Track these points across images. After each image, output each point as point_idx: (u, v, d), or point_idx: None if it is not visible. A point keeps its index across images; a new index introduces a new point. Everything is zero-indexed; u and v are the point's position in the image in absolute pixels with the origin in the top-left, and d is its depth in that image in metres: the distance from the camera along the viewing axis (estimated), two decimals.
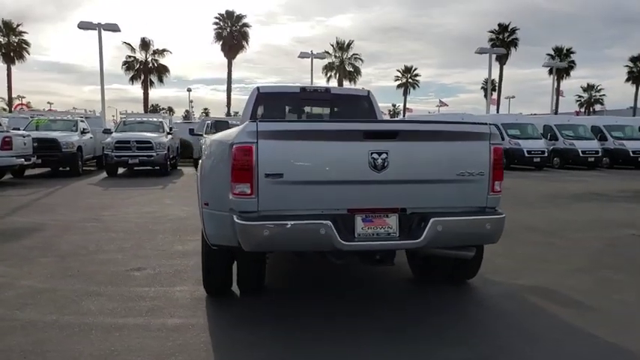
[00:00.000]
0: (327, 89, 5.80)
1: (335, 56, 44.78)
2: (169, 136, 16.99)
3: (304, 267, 5.05)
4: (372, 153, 3.20)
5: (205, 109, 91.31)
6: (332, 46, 45.03)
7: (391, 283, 4.64)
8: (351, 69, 45.20)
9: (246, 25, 43.56)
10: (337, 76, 44.88)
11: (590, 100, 54.46)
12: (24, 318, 3.67)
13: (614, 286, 4.47)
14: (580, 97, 54.68)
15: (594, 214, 8.43)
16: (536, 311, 3.85)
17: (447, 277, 4.44)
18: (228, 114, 44.11)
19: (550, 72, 44.58)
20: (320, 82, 37.49)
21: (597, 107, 54.37)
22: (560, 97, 46.61)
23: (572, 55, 45.27)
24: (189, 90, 58.62)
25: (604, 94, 54.88)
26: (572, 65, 44.55)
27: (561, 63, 31.13)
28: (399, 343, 3.26)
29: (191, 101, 63.27)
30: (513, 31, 44.28)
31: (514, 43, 43.62)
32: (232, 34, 43.23)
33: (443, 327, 3.57)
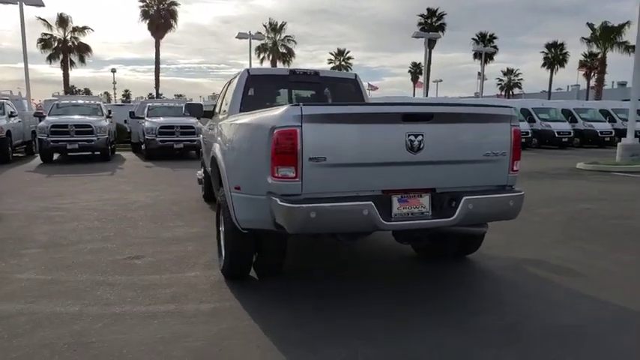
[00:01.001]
0: (316, 72, 5.82)
1: (268, 37, 44.21)
2: (109, 120, 16.20)
3: (306, 248, 5.14)
4: (409, 135, 3.34)
5: (126, 90, 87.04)
6: (264, 26, 44.42)
7: (396, 262, 4.85)
8: (284, 50, 44.87)
9: (174, 3, 41.76)
10: (270, 57, 44.40)
11: (510, 83, 57.91)
12: (44, 311, 3.49)
13: (593, 255, 4.95)
14: (500, 80, 58.02)
15: (547, 191, 9.15)
16: (541, 280, 4.21)
17: (450, 253, 4.71)
18: (157, 96, 42.38)
19: (475, 56, 46.92)
20: (252, 63, 36.86)
21: (516, 90, 57.98)
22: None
23: (494, 40, 47.78)
24: (113, 71, 55.63)
25: (522, 79, 58.62)
26: (494, 50, 46.93)
27: (490, 48, 32.94)
28: (431, 315, 3.46)
29: (114, 83, 60.10)
30: (441, 16, 45.87)
31: (442, 27, 45.21)
32: (160, 12, 41.32)
33: (464, 299, 3.82)
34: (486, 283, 4.24)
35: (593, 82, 50.20)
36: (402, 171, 3.42)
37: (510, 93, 57.54)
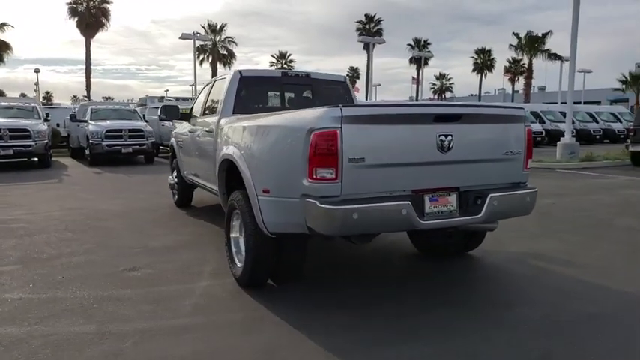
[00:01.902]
0: (307, 74, 5.76)
1: (210, 39, 43.25)
2: (46, 124, 15.16)
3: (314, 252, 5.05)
4: (439, 135, 3.37)
5: (48, 92, 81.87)
6: (203, 28, 43.41)
7: (402, 261, 4.87)
8: (224, 52, 44.09)
9: (106, 0, 39.90)
10: (210, 59, 43.47)
11: (442, 87, 60.32)
12: (59, 332, 3.17)
13: (579, 246, 5.24)
14: (433, 84, 60.29)
15: None
16: (548, 271, 4.39)
17: (454, 250, 4.80)
18: (87, 97, 40.26)
19: (411, 61, 48.50)
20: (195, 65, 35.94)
21: (448, 94, 60.50)
22: (415, 85, 50.84)
23: (429, 46, 49.59)
24: (37, 71, 52.23)
25: (452, 83, 61.26)
26: (431, 55, 48.66)
27: (426, 53, 34.28)
28: (467, 312, 3.51)
29: (36, 84, 56.24)
30: (379, 22, 47.04)
31: (379, 33, 46.26)
32: (90, 10, 39.31)
33: (489, 294, 3.92)
34: (501, 277, 4.36)
35: (517, 86, 53.43)
36: (432, 171, 3.44)
37: (443, 96, 59.93)
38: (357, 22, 46.91)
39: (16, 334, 3.15)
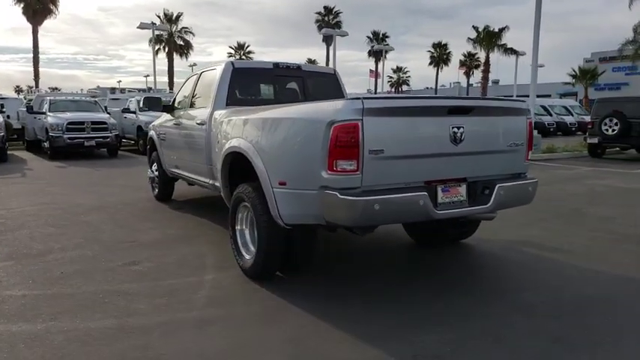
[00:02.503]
0: (299, 66, 5.78)
1: (167, 29, 42.07)
2: (1, 116, 14.43)
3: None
4: (452, 127, 3.50)
5: None
6: (159, 17, 42.20)
7: (398, 250, 5.01)
8: (181, 42, 43.05)
9: None
10: (167, 49, 42.35)
11: (399, 80, 61.29)
12: (79, 327, 3.12)
13: (562, 234, 5.54)
14: (391, 77, 61.14)
15: None
16: (541, 258, 4.64)
17: (449, 239, 4.98)
18: (35, 88, 38.42)
19: (369, 54, 48.96)
20: (143, 55, 34.91)
21: (404, 87, 61.55)
22: (373, 78, 51.47)
23: (387, 39, 50.20)
24: None
25: (409, 76, 62.37)
26: (392, 48, 49.34)
27: (387, 46, 34.79)
28: (475, 298, 3.68)
29: None
30: (337, 14, 47.23)
31: (338, 25, 46.40)
32: None
33: (490, 279, 4.13)
34: (499, 264, 4.57)
35: (471, 80, 55.00)
36: (444, 162, 3.57)
37: (400, 89, 60.92)
38: (317, 13, 47.04)
39: (33, 331, 3.07)
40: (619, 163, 13.10)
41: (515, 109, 3.95)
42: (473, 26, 41.84)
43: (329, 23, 47.39)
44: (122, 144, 17.13)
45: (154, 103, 6.74)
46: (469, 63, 53.56)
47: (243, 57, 50.69)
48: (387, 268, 4.46)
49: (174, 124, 6.35)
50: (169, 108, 6.77)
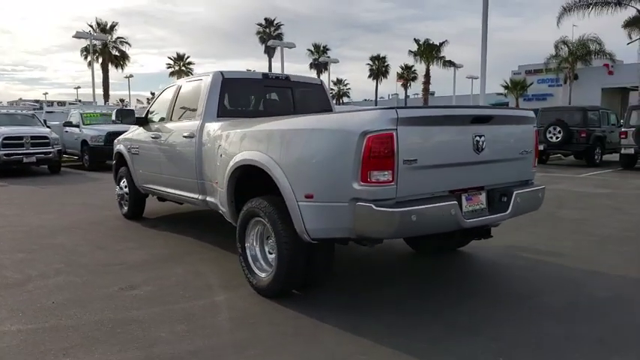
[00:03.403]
0: (287, 77, 5.66)
1: (105, 38, 40.31)
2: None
3: None
4: (475, 136, 3.51)
5: None
6: (91, 26, 40.41)
7: (400, 260, 4.98)
8: (117, 53, 41.42)
9: None
10: (100, 60, 40.54)
11: (340, 92, 62.17)
12: None
13: (549, 238, 5.74)
14: (332, 89, 61.81)
15: None
16: (541, 263, 4.74)
17: (450, 247, 5.02)
18: None
19: (310, 66, 49.34)
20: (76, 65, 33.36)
21: (345, 99, 62.49)
22: None
23: (328, 51, 50.90)
24: None
25: (349, 88, 63.47)
26: (336, 61, 49.83)
27: (329, 58, 35.17)
28: (495, 305, 3.69)
29: None
30: (278, 26, 47.33)
31: (280, 37, 46.49)
32: None
33: (502, 285, 4.18)
34: (504, 270, 4.64)
35: (409, 92, 56.86)
36: (467, 170, 3.58)
37: (341, 101, 61.80)
38: (258, 24, 46.80)
39: None
40: (564, 169, 13.91)
41: (526, 117, 4.05)
42: (414, 39, 43.41)
43: (270, 35, 47.44)
44: (63, 160, 16.11)
45: (127, 115, 6.32)
46: (407, 75, 55.31)
47: (183, 68, 49.60)
48: (398, 278, 4.40)
49: (153, 137, 6.01)
50: (142, 120, 6.42)
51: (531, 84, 40.95)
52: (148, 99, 71.98)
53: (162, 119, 6.09)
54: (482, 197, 3.71)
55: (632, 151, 13.01)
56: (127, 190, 6.98)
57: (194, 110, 5.29)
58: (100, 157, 14.62)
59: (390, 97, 65.76)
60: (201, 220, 6.98)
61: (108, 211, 7.58)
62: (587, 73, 37.48)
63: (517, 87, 38.76)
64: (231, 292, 3.97)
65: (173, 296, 3.92)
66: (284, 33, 47.38)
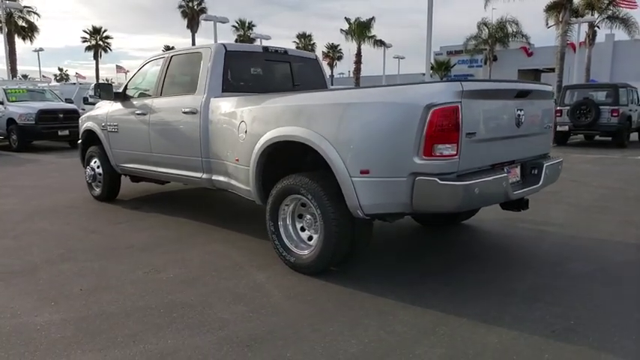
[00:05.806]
0: (285, 51, 5.51)
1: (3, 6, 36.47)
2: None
3: None
4: (517, 110, 3.67)
5: None
6: None
7: (412, 234, 5.10)
8: (23, 24, 37.78)
9: None
10: (5, 31, 36.72)
11: None
12: (177, 347, 2.68)
13: (538, 208, 5.93)
14: None
15: None
16: (545, 233, 5.01)
17: (456, 221, 5.22)
18: None
19: (236, 42, 47.93)
20: None
21: None
22: None
23: (253, 28, 49.73)
24: None
25: None
26: (268, 37, 48.74)
27: (264, 35, 34.29)
28: (515, 274, 3.92)
29: None
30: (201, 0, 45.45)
31: (203, 11, 44.62)
32: None
33: (526, 255, 4.40)
34: (514, 241, 4.86)
35: (334, 71, 57.22)
36: (507, 144, 3.72)
37: None
38: None
39: (129, 356, 2.56)
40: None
41: (549, 92, 4.27)
42: (345, 18, 43.34)
43: (193, 9, 45.57)
44: None
45: (106, 90, 5.88)
46: (332, 54, 55.55)
47: (100, 42, 46.32)
48: (423, 252, 4.53)
49: (138, 113, 5.64)
50: (121, 95, 6.00)
51: (455, 65, 42.77)
52: (55, 75, 66.77)
53: (146, 95, 5.73)
54: (518, 170, 3.90)
55: (566, 128, 14.02)
56: (99, 170, 6.52)
57: (191, 85, 5.03)
58: (31, 136, 13.47)
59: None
60: (183, 200, 6.74)
61: (74, 194, 7.07)
62: (506, 55, 39.81)
63: (442, 67, 40.32)
64: (266, 272, 3.89)
65: (209, 277, 3.78)
66: (207, 7, 45.63)
